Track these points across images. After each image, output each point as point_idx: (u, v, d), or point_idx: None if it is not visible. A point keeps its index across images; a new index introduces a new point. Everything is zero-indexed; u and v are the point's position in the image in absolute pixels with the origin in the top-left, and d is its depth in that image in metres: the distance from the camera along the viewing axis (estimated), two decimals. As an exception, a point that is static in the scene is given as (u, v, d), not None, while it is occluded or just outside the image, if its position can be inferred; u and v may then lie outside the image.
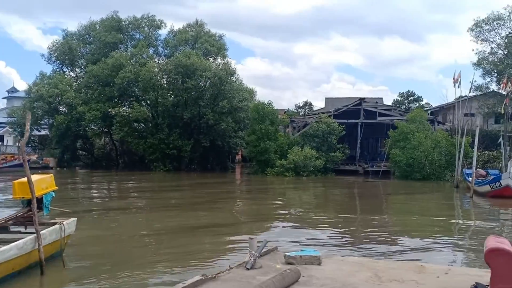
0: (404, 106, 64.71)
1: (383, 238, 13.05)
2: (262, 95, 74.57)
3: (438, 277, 5.64)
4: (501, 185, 22.21)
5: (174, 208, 19.40)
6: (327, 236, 13.13)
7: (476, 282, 5.08)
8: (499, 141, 29.96)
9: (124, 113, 39.52)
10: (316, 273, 5.89)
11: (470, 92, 36.97)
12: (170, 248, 11.47)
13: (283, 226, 14.83)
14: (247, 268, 6.19)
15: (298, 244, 11.53)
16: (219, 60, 43.96)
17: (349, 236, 13.52)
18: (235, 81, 42.47)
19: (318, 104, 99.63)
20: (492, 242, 4.40)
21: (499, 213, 19.61)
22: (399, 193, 27.45)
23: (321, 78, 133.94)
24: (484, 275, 5.58)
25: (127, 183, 30.74)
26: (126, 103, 42.85)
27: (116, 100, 41.86)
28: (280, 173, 34.63)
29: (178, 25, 70.57)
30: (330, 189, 29.21)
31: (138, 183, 30.74)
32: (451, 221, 16.75)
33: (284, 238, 12.17)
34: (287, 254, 6.68)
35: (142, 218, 16.76)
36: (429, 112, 44.88)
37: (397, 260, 8.53)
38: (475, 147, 25.01)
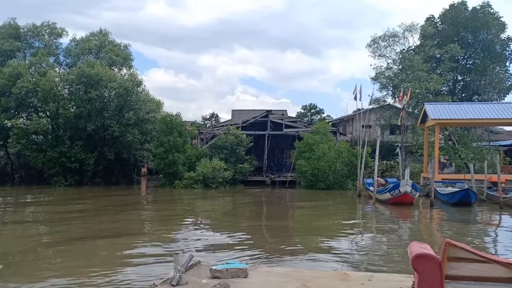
0: (307, 118, 67.01)
1: (292, 245, 13.43)
2: (167, 106, 74.05)
3: (362, 284, 5.84)
4: (400, 192, 23.57)
5: (75, 220, 18.63)
6: (238, 245, 13.13)
7: (399, 288, 5.34)
8: (396, 151, 31.72)
9: (22, 125, 37.11)
10: (244, 286, 5.89)
11: (369, 105, 39.00)
12: (73, 261, 11.06)
13: (196, 239, 14.63)
14: (172, 284, 6.04)
15: (204, 250, 11.53)
16: (124, 70, 42.80)
17: (260, 243, 13.64)
18: (142, 92, 41.53)
19: (224, 116, 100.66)
20: (417, 247, 4.64)
21: (398, 217, 20.73)
22: (305, 201, 28.17)
23: (225, 90, 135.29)
24: (405, 280, 5.88)
25: (25, 197, 28.99)
26: (24, 115, 40.42)
27: (13, 111, 39.30)
28: (188, 185, 34.36)
29: (80, 34, 68.33)
30: (239, 199, 29.41)
31: (36, 197, 29.00)
32: (355, 228, 17.47)
33: (195, 248, 12.20)
34: (213, 267, 6.61)
35: (42, 231, 16.01)
36: (331, 123, 46.65)
37: (322, 269, 8.72)
38: (376, 157, 26.26)
